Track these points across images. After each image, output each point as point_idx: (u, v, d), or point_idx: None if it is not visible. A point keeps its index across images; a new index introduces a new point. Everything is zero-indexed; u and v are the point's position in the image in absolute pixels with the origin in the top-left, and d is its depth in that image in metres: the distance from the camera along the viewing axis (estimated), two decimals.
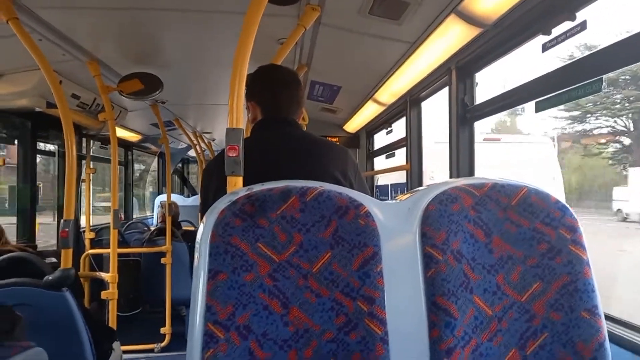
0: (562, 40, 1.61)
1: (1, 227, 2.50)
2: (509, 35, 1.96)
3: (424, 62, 2.57)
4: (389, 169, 4.28)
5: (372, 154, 4.89)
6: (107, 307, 3.19)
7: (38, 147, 3.72)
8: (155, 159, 7.70)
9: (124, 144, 5.73)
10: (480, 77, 2.41)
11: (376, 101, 3.67)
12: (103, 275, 3.29)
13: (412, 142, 3.38)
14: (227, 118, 1.31)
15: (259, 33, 1.34)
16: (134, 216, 6.70)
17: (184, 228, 5.26)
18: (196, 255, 0.85)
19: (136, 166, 7.03)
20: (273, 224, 0.85)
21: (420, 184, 3.35)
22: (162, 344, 4.06)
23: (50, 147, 4.13)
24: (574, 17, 1.56)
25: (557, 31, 1.64)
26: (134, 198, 6.87)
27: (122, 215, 5.91)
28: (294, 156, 1.47)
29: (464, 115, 2.41)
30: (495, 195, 0.91)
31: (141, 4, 2.24)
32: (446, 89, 2.55)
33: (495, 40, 2.03)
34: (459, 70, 2.41)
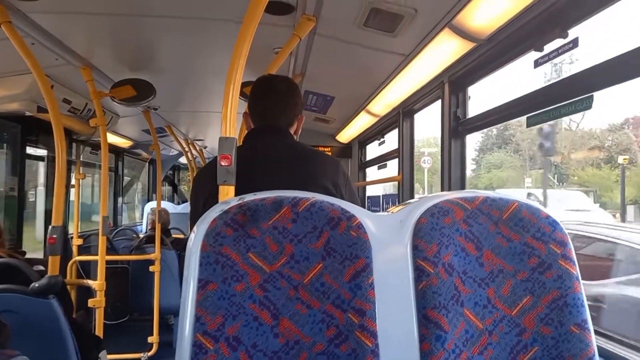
0: (554, 57, 1.63)
1: (0, 227, 2.46)
2: (501, 51, 1.98)
3: (417, 74, 2.59)
4: (380, 180, 4.28)
5: (364, 164, 4.90)
6: (94, 315, 3.14)
7: (27, 152, 3.69)
8: (146, 165, 7.66)
9: (114, 150, 5.69)
10: (473, 90, 2.43)
11: (369, 112, 3.69)
12: (90, 282, 3.24)
13: (404, 154, 3.39)
14: (220, 126, 1.31)
15: (254, 42, 1.34)
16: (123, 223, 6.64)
17: (173, 236, 5.22)
18: (186, 264, 0.84)
19: (125, 172, 6.98)
20: (264, 234, 0.85)
21: (412, 196, 3.36)
22: (150, 353, 4.00)
23: (41, 151, 4.09)
24: (566, 35, 1.58)
25: (549, 48, 1.67)
26: (124, 205, 6.82)
27: (111, 222, 5.85)
28: (282, 166, 1.45)
29: (456, 128, 2.42)
30: (487, 209, 0.92)
31: (136, 10, 2.23)
32: (439, 102, 2.57)
33: (488, 55, 2.05)
34: (452, 84, 2.43)
